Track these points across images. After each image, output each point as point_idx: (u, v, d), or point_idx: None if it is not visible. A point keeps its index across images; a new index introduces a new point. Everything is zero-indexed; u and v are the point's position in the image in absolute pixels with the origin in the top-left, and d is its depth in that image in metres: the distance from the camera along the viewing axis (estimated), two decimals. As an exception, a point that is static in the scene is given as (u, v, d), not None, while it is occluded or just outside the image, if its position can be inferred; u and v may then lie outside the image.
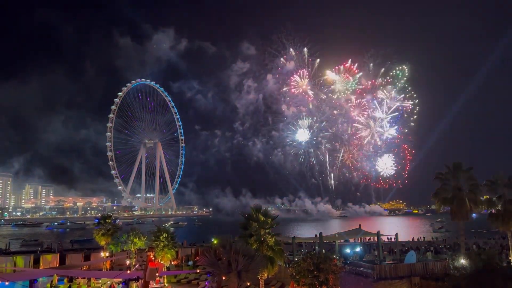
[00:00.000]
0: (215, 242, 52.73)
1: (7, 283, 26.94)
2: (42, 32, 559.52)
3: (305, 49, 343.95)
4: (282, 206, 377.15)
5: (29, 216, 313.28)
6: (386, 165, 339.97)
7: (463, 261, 27.19)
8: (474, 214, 43.38)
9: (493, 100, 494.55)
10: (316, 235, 61.94)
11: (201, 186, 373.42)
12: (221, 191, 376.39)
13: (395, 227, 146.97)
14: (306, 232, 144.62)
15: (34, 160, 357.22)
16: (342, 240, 69.25)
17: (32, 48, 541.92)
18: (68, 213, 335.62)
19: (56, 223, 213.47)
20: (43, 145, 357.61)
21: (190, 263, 55.28)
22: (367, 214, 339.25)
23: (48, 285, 40.18)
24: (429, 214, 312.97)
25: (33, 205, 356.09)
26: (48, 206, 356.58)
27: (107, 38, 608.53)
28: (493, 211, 43.14)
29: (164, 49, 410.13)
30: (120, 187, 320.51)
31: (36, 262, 49.04)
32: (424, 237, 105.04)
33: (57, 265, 49.06)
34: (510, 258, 43.26)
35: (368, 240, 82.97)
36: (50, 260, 50.27)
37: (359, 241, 76.31)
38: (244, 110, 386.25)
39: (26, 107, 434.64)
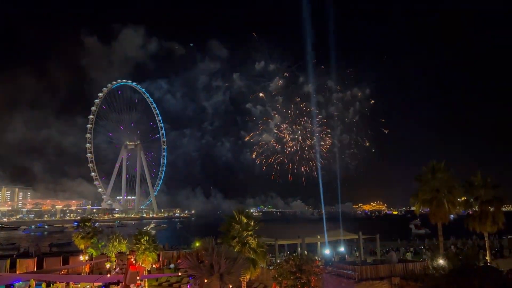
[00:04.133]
0: (197, 244, 52.50)
1: (-19, 289, 26.22)
2: (4, 29, 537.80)
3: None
4: (265, 208, 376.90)
5: (5, 220, 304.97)
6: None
7: (441, 261, 27.73)
8: (451, 215, 44.23)
9: (469, 100, 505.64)
10: (298, 237, 62.16)
11: (170, 187, 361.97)
12: (191, 191, 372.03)
13: (375, 228, 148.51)
14: (287, 233, 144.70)
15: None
16: (324, 241, 69.66)
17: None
18: (46, 216, 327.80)
19: (33, 226, 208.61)
20: (3, 145, 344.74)
21: (172, 266, 54.78)
22: (341, 215, 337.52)
23: (25, 290, 39.21)
24: (409, 216, 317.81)
25: (10, 208, 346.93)
26: (26, 209, 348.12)
27: (73, 36, 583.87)
28: (470, 212, 44.10)
29: (132, 48, 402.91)
30: (100, 190, 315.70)
31: (13, 267, 47.95)
32: (404, 238, 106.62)
33: (35, 269, 47.98)
34: (487, 258, 44.28)
35: (350, 241, 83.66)
36: (27, 264, 49.14)
37: (341, 242, 76.87)
38: (213, 110, 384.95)
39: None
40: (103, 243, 49.56)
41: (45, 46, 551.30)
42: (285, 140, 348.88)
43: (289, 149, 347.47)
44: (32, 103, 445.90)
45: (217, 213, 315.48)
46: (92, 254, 51.10)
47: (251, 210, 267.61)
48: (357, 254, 58.65)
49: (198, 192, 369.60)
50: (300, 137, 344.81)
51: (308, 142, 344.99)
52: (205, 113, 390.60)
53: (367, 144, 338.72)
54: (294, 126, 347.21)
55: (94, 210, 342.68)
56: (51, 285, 41.02)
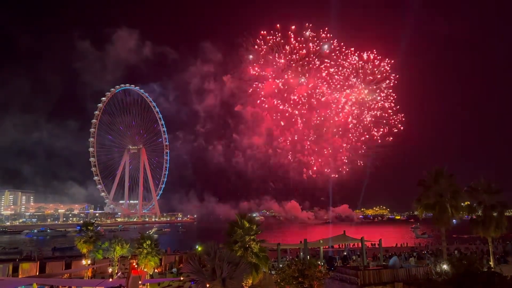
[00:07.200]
0: (199, 249, 52.38)
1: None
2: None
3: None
4: (268, 213, 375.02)
5: (8, 223, 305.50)
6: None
7: (445, 267, 27.58)
8: (454, 220, 44.08)
9: (473, 106, 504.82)
10: (300, 241, 61.97)
11: (164, 191, 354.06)
12: (185, 195, 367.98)
13: (378, 233, 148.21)
14: (289, 238, 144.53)
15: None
16: (327, 246, 69.51)
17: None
18: (49, 220, 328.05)
19: (36, 231, 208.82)
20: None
21: (174, 270, 54.71)
22: (338, 220, 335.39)
23: (28, 294, 39.19)
24: (411, 220, 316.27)
25: (13, 212, 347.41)
26: (28, 213, 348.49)
27: (66, 40, 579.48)
28: (474, 217, 43.91)
29: (126, 52, 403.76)
30: (103, 194, 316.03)
31: (15, 271, 47.98)
32: (407, 243, 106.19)
33: (37, 274, 48.00)
34: (491, 263, 44.00)
35: (352, 246, 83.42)
36: (29, 268, 49.17)
37: (343, 247, 76.68)
38: (206, 113, 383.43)
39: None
40: (106, 244, 49.41)
41: (38, 49, 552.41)
42: (276, 143, 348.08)
43: (280, 151, 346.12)
44: (24, 106, 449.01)
45: (219, 217, 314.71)
46: (95, 257, 51.00)
47: (254, 215, 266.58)
48: (360, 259, 58.33)
49: (192, 196, 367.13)
50: (292, 140, 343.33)
51: (299, 146, 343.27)
52: (198, 116, 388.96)
53: (359, 145, 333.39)
54: (286, 131, 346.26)
55: (97, 214, 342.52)
56: (54, 289, 40.99)
